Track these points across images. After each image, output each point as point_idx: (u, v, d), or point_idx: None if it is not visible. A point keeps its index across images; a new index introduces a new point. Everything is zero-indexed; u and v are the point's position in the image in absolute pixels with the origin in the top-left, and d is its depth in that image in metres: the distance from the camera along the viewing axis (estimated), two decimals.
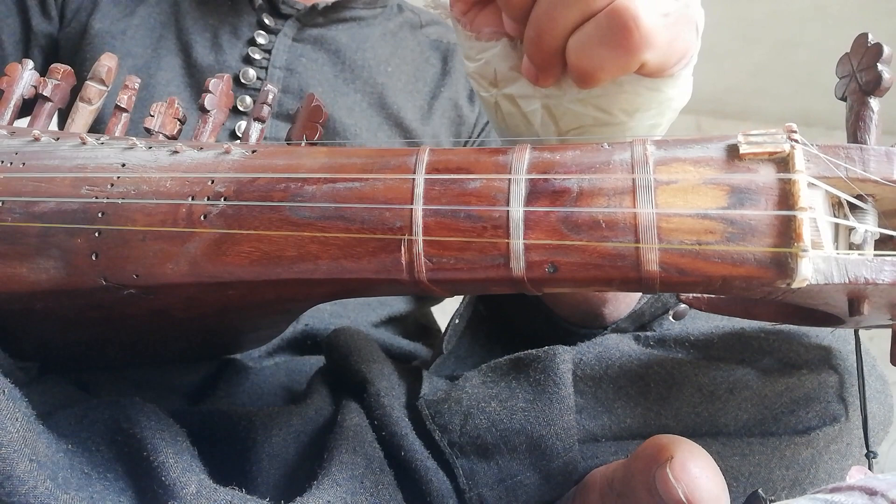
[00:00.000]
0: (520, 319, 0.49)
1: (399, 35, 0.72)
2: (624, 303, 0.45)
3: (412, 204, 0.27)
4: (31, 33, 0.65)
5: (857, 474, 0.28)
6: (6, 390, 0.28)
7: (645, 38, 0.27)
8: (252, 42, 0.64)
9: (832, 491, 0.28)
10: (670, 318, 0.44)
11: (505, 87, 0.34)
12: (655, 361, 0.40)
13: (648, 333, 0.43)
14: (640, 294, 0.45)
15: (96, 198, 0.31)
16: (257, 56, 0.64)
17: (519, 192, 0.26)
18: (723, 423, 0.38)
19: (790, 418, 0.37)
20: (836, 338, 0.40)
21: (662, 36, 0.27)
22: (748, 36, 1.90)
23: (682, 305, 0.43)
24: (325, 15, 0.67)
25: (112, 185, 0.31)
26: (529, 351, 0.41)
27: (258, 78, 0.64)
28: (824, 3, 1.76)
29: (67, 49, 0.65)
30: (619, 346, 0.42)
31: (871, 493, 0.27)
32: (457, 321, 0.47)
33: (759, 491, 0.33)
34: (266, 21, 0.65)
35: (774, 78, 2.03)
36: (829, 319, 0.32)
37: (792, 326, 0.40)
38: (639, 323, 0.45)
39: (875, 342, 0.42)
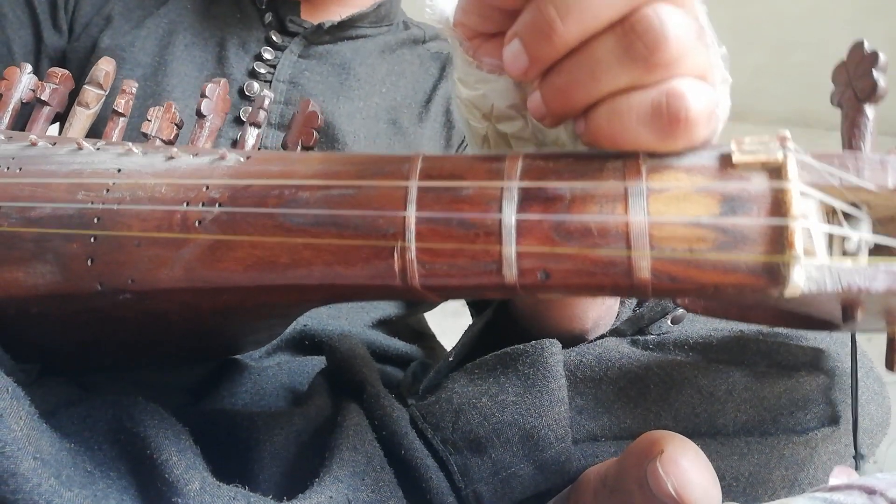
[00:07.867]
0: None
1: (398, 51, 0.72)
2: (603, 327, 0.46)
3: (405, 211, 0.27)
4: (42, 45, 0.66)
5: (841, 475, 0.28)
6: (10, 389, 0.28)
7: (689, 130, 0.24)
8: (259, 57, 0.65)
9: (831, 490, 0.28)
10: (669, 322, 0.44)
11: (499, 124, 0.31)
12: (655, 363, 0.40)
13: (647, 337, 0.43)
14: (616, 316, 0.46)
15: (92, 203, 0.31)
16: (262, 70, 0.65)
17: (511, 199, 0.26)
18: (721, 424, 0.38)
19: (788, 420, 0.38)
20: (834, 340, 0.40)
21: (702, 132, 0.25)
22: (747, 37, 1.89)
23: (681, 310, 0.43)
24: (331, 33, 0.68)
25: (108, 190, 0.31)
26: (516, 346, 0.42)
27: (262, 91, 0.64)
28: (823, 5, 1.76)
29: (75, 62, 0.65)
30: (619, 348, 0.42)
31: (871, 491, 0.27)
32: (450, 359, 0.48)
33: None
34: (274, 38, 0.66)
35: (773, 79, 2.03)
36: (824, 324, 0.32)
37: (789, 329, 0.40)
38: (637, 326, 0.45)
39: (873, 343, 0.42)
